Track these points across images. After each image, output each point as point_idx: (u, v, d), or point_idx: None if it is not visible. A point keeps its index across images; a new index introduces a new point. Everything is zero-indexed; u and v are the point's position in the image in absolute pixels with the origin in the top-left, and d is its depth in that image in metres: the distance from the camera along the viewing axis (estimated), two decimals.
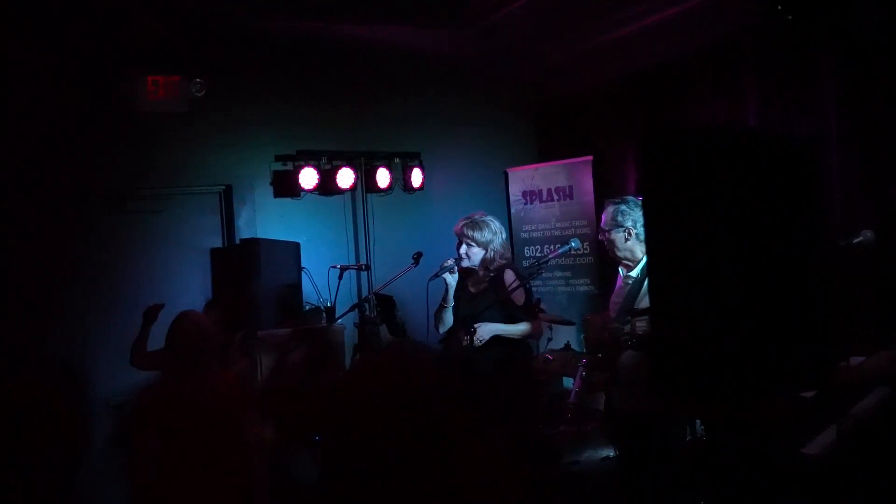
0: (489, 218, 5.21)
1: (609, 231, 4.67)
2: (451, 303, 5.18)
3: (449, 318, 5.19)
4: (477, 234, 5.10)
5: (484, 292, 5.13)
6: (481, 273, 5.17)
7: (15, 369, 4.90)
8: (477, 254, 5.11)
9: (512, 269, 5.15)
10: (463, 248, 5.13)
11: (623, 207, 4.67)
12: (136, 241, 6.38)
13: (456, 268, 5.17)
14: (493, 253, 5.10)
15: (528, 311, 5.02)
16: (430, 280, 5.20)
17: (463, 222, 5.18)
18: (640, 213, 4.69)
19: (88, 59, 5.98)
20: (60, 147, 5.99)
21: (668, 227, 2.10)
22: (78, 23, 5.63)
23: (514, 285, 4.94)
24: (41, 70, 5.86)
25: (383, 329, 5.71)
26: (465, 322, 4.89)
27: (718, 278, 1.98)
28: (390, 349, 2.40)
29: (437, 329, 5.27)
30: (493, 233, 5.12)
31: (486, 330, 4.92)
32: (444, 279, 5.20)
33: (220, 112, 6.51)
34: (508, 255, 5.28)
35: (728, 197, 2.12)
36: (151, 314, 5.36)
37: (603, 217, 4.78)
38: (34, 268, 5.87)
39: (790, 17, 4.24)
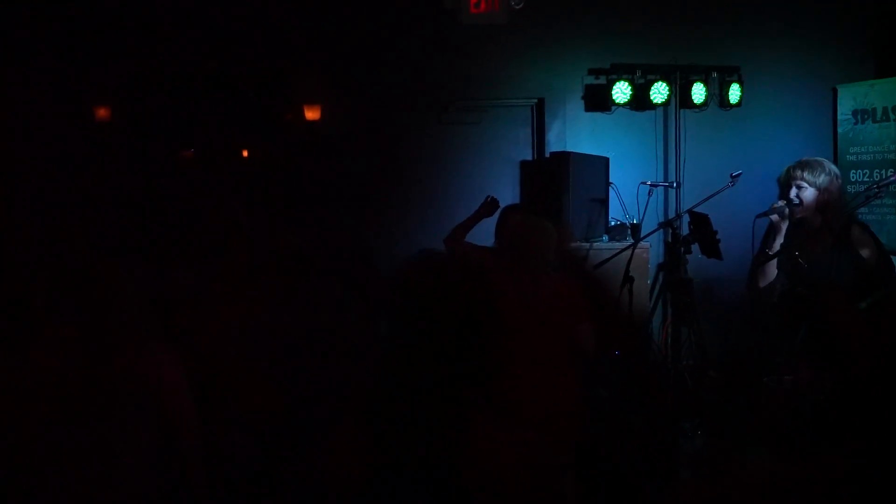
0: (823, 160, 4.64)
1: None
2: (776, 250, 4.67)
3: (772, 271, 4.66)
4: (807, 174, 4.54)
5: (832, 251, 4.45)
6: (818, 224, 4.56)
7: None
8: (810, 196, 4.53)
9: (858, 224, 4.52)
10: (793, 192, 4.58)
11: None
12: (452, 151, 6.67)
13: (787, 211, 4.61)
14: (828, 195, 4.50)
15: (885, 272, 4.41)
16: (757, 217, 4.70)
17: (789, 165, 4.66)
18: None
19: None
20: (391, 57, 6.36)
21: None
22: None
23: (862, 239, 4.37)
24: None
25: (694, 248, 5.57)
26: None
27: None
28: None
29: (753, 281, 4.75)
30: (828, 174, 4.53)
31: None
32: (771, 220, 4.69)
33: (536, 25, 6.54)
34: (846, 206, 4.64)
35: None
36: (491, 208, 5.37)
37: None
38: (363, 170, 6.34)
39: None
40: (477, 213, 5.39)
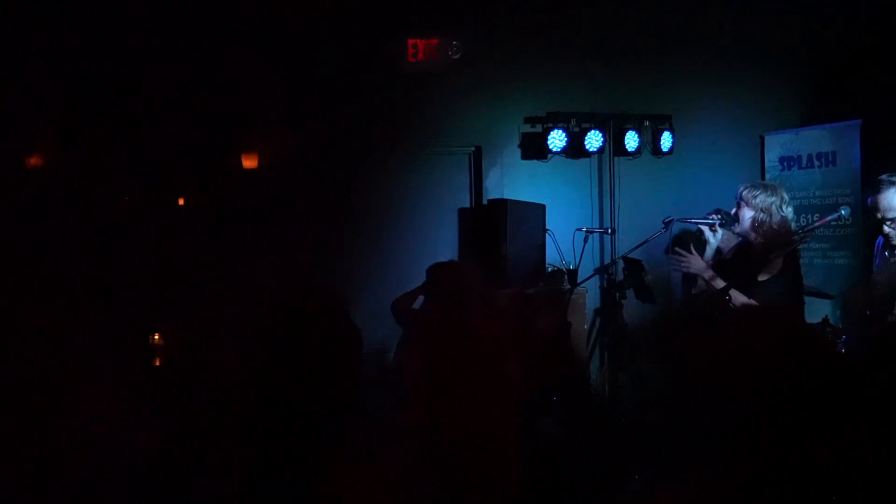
0: (779, 185, 4.67)
1: None
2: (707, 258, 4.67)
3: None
4: (746, 192, 4.54)
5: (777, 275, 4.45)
6: (760, 249, 4.54)
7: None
8: (746, 216, 4.52)
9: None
10: (734, 209, 4.62)
11: None
12: (393, 197, 6.69)
13: (717, 224, 4.69)
14: (763, 215, 4.47)
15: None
16: (678, 221, 4.82)
17: (745, 183, 4.69)
18: None
19: (357, 22, 6.32)
20: (333, 104, 6.41)
21: None
22: None
23: (776, 253, 4.42)
24: (315, 33, 6.28)
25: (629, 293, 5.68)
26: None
27: None
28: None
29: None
30: (771, 195, 4.50)
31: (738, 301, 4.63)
32: (703, 231, 4.76)
33: (474, 74, 6.66)
34: (787, 226, 4.55)
35: None
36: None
37: (888, 201, 4.34)
38: (304, 216, 6.34)
39: None
40: (421, 287, 5.44)
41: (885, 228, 4.41)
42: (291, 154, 6.32)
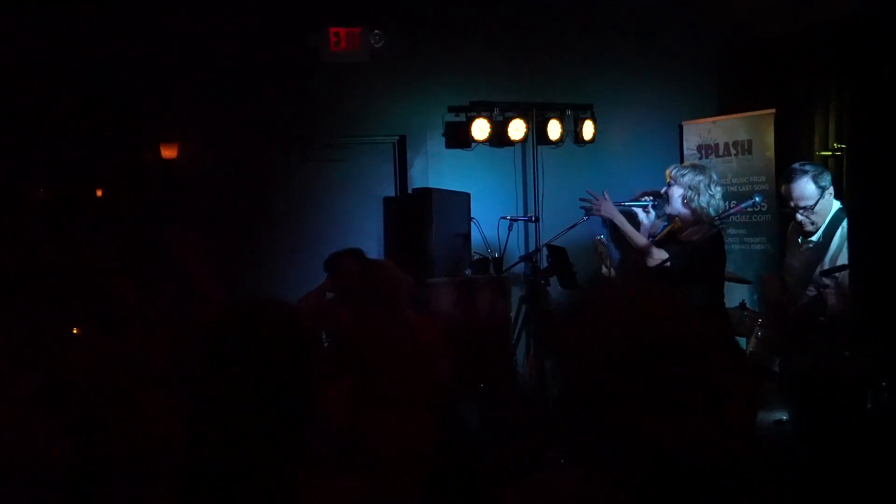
0: (708, 168, 4.75)
1: (817, 201, 4.42)
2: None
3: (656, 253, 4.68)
4: (676, 171, 4.66)
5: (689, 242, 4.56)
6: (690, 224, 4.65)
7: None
8: (675, 194, 4.61)
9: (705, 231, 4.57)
10: (664, 188, 4.72)
11: (818, 169, 4.48)
12: (316, 188, 6.65)
13: (651, 205, 4.81)
14: (691, 192, 4.56)
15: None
16: (616, 204, 4.80)
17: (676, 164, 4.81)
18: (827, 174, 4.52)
19: (278, 11, 6.23)
20: (253, 96, 6.31)
21: (874, 181, 2.01)
22: None
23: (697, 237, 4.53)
24: (236, 22, 6.17)
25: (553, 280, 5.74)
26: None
27: None
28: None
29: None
30: (699, 174, 4.59)
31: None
32: (636, 214, 4.84)
33: (397, 63, 6.64)
34: (710, 211, 4.61)
35: None
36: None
37: (800, 190, 4.48)
38: (225, 209, 6.24)
39: None
40: (327, 283, 5.38)
41: (799, 216, 4.55)
42: (211, 146, 6.21)
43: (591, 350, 1.49)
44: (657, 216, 4.91)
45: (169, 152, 6.15)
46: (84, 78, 5.95)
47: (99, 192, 6.40)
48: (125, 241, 6.10)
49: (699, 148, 7.16)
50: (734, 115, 7.00)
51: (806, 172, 4.49)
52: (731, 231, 6.81)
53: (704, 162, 6.92)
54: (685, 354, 1.45)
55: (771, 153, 6.59)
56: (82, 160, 6.13)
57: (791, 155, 6.10)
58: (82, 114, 6.02)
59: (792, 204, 4.55)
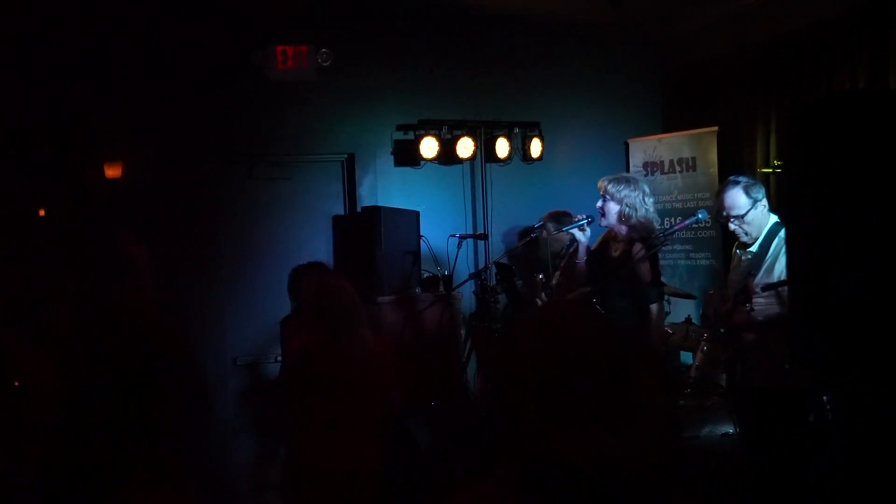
0: (639, 178, 4.92)
1: (747, 211, 4.51)
2: (583, 259, 4.95)
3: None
4: (612, 187, 4.79)
5: (620, 258, 4.80)
6: (623, 238, 4.84)
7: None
8: (612, 210, 4.79)
9: (641, 242, 4.79)
10: (599, 203, 4.87)
11: (751, 181, 4.59)
12: (264, 206, 6.59)
13: (586, 223, 4.96)
14: (629, 210, 4.75)
15: (655, 287, 4.81)
16: (555, 232, 5.05)
17: (607, 177, 4.95)
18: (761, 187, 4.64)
19: (224, 29, 6.19)
20: (199, 114, 6.25)
21: (811, 196, 2.05)
22: None
23: (640, 255, 4.68)
24: (183, 39, 6.11)
25: (502, 298, 5.77)
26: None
27: (864, 247, 1.92)
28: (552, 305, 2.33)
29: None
30: (634, 189, 4.79)
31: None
32: (574, 235, 5.01)
33: (345, 81, 6.63)
34: (650, 224, 4.86)
35: (874, 165, 2.06)
36: None
37: (732, 199, 4.57)
38: (170, 228, 6.14)
39: None
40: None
41: (731, 226, 4.65)
42: (156, 165, 6.11)
43: (513, 369, 1.52)
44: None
45: (113, 171, 6.04)
46: (26, 97, 5.84)
47: (41, 212, 6.27)
48: (67, 261, 5.97)
49: (645, 165, 7.26)
50: (678, 133, 7.12)
51: (738, 183, 4.60)
52: (677, 247, 6.91)
53: (650, 180, 7.03)
54: (600, 372, 1.49)
55: (714, 170, 6.71)
56: (25, 180, 6.00)
57: (734, 172, 6.20)
58: (24, 133, 5.90)
59: (724, 213, 4.65)
